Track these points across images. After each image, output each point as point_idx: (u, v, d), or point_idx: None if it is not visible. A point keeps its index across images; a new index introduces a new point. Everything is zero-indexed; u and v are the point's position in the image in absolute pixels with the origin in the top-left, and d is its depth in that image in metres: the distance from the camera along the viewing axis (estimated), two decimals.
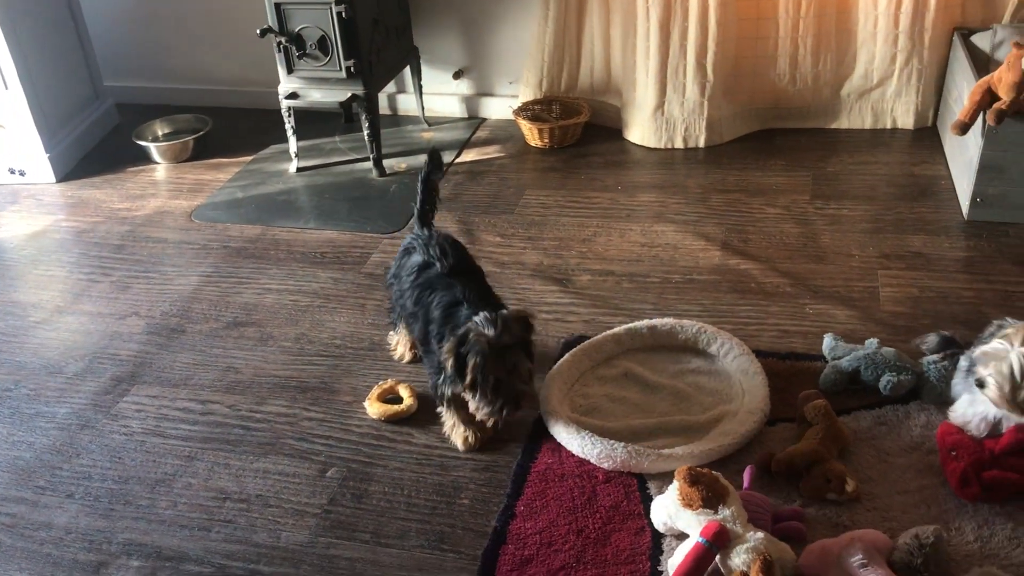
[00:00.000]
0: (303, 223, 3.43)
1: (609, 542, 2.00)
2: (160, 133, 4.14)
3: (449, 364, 2.08)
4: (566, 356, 2.51)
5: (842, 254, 2.97)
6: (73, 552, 2.11)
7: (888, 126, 3.71)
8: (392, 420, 2.42)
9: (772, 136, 3.76)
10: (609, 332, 2.59)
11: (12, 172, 3.86)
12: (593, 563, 1.96)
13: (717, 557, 1.84)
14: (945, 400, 2.23)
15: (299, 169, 3.81)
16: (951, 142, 3.37)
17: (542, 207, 3.40)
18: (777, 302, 2.76)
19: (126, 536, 2.14)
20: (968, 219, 3.08)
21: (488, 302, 2.23)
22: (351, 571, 2.01)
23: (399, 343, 2.61)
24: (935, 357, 2.34)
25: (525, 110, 3.90)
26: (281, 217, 3.48)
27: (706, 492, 1.89)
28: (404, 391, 2.48)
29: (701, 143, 3.71)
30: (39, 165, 3.84)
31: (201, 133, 4.04)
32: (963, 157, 3.16)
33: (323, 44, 3.48)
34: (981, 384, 2.00)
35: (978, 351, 2.04)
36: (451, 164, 3.77)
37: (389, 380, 2.52)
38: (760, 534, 1.86)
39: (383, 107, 4.18)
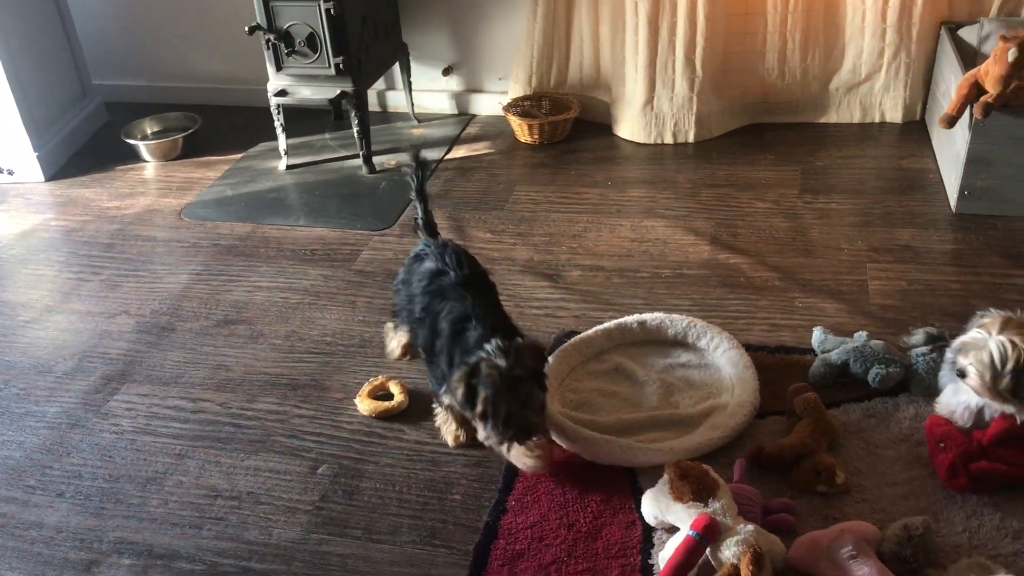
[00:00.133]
0: (293, 220, 3.43)
1: (600, 536, 2.01)
2: (149, 131, 4.13)
3: (459, 393, 2.01)
4: (556, 351, 2.51)
5: (831, 248, 2.98)
6: (64, 551, 2.11)
7: (876, 120, 3.73)
8: (383, 416, 2.42)
9: (761, 131, 3.76)
10: (599, 327, 2.59)
11: (0, 171, 3.85)
12: (584, 557, 1.96)
13: (707, 550, 1.85)
14: (934, 392, 2.24)
15: (289, 167, 3.80)
16: (939, 136, 3.39)
17: (532, 203, 3.40)
18: (766, 296, 2.77)
19: (117, 534, 2.14)
20: (956, 212, 3.10)
21: (499, 322, 2.17)
22: (343, 567, 2.01)
23: (395, 341, 2.58)
24: (923, 349, 2.35)
25: (515, 106, 3.90)
26: (271, 215, 3.48)
27: (696, 485, 1.90)
28: (395, 387, 2.48)
29: (690, 138, 3.71)
30: (27, 164, 3.83)
31: (190, 131, 4.03)
32: (951, 151, 3.18)
33: (312, 41, 3.47)
34: (962, 374, 2.01)
35: (958, 341, 2.05)
36: (441, 160, 3.77)
37: (380, 376, 2.52)
38: (750, 527, 1.87)
39: (373, 104, 4.18)
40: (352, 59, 3.50)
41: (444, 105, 4.17)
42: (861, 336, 2.42)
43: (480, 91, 4.12)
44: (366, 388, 2.48)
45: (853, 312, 2.66)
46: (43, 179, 3.85)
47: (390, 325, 2.59)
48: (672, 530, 1.95)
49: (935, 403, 2.19)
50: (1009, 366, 1.93)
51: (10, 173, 3.85)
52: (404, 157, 3.80)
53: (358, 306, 2.89)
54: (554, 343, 2.58)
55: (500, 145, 3.86)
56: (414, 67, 4.02)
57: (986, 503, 2.00)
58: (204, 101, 4.36)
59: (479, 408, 1.99)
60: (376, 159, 3.74)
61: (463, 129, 4.02)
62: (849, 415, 2.27)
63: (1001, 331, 1.97)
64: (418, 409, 2.43)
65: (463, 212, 3.36)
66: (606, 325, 2.60)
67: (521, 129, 3.80)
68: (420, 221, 2.51)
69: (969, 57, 3.27)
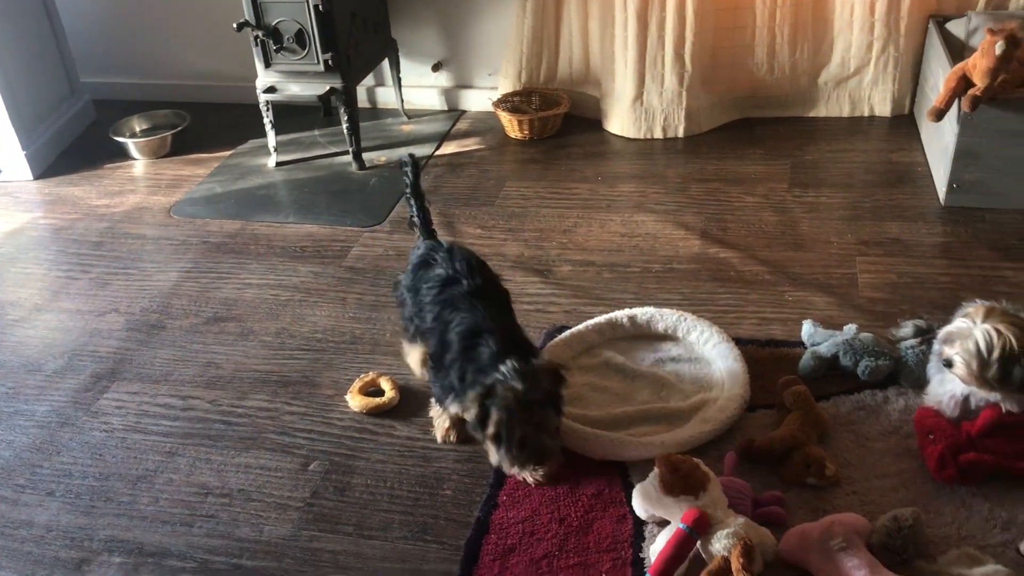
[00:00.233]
0: (283, 217, 3.42)
1: (591, 530, 2.01)
2: (138, 129, 4.11)
3: (473, 414, 1.97)
4: (547, 346, 2.51)
5: (820, 241, 2.99)
6: (54, 550, 2.10)
7: (865, 114, 3.73)
8: (374, 413, 2.42)
9: (751, 125, 3.77)
10: (590, 322, 2.59)
11: None
12: (575, 551, 1.97)
13: (698, 543, 1.86)
14: (923, 384, 2.24)
15: (278, 163, 3.79)
16: (927, 129, 3.40)
17: (522, 198, 3.40)
18: (756, 290, 2.78)
19: (108, 533, 2.14)
20: (945, 205, 3.11)
21: (511, 334, 2.11)
22: (334, 564, 2.01)
23: (413, 357, 2.42)
24: (913, 342, 2.36)
25: (505, 102, 3.90)
26: (261, 212, 3.47)
27: (686, 479, 1.91)
28: (386, 384, 2.48)
29: (680, 133, 3.71)
30: (15, 162, 3.81)
31: (179, 128, 4.01)
32: (939, 144, 3.19)
33: (300, 37, 3.46)
34: (949, 363, 2.02)
35: (943, 331, 2.06)
36: (431, 156, 3.76)
37: (371, 373, 2.52)
38: (740, 519, 1.88)
39: (362, 101, 4.17)
40: (341, 55, 3.50)
41: (434, 101, 4.16)
42: (851, 329, 2.43)
43: (470, 87, 4.12)
44: (357, 384, 2.48)
45: (843, 305, 2.67)
46: (31, 177, 3.83)
47: (404, 343, 2.45)
48: (663, 523, 1.95)
49: (923, 394, 2.20)
50: (995, 354, 1.94)
51: None
52: (394, 154, 3.79)
53: (348, 303, 2.89)
54: (545, 338, 2.59)
55: (490, 141, 3.86)
56: (403, 63, 4.01)
57: (975, 494, 2.01)
58: (193, 98, 4.34)
59: (491, 430, 1.95)
60: (366, 155, 3.74)
61: (453, 125, 4.01)
62: (839, 408, 2.28)
63: (985, 320, 1.98)
64: (409, 405, 2.43)
65: (453, 208, 3.36)
66: (596, 320, 2.60)
67: (511, 125, 3.80)
68: (416, 223, 2.47)
69: (957, 50, 3.28)
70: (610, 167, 3.59)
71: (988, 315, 1.98)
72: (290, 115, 4.06)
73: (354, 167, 3.70)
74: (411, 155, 2.52)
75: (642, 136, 3.75)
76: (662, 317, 2.58)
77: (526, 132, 3.78)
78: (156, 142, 3.96)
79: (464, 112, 4.12)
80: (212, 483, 2.25)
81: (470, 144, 3.85)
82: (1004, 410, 2.00)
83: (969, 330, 1.98)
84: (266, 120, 3.70)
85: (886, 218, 3.08)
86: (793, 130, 3.70)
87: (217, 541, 2.09)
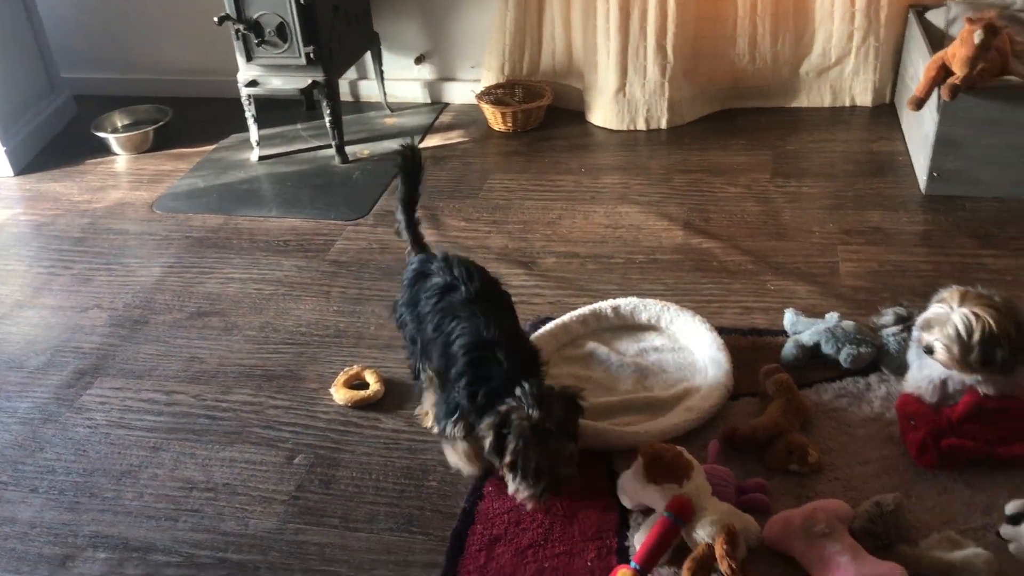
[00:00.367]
0: (266, 212, 3.41)
1: (576, 519, 2.02)
2: (119, 124, 4.08)
3: (488, 442, 1.91)
4: (532, 338, 2.51)
5: (803, 231, 3.01)
6: (38, 546, 2.09)
7: (847, 104, 3.75)
8: (359, 406, 2.41)
9: (733, 116, 3.78)
10: (575, 313, 2.60)
11: None
12: (561, 540, 1.97)
13: (683, 530, 1.87)
14: (904, 370, 2.26)
15: (261, 157, 3.78)
16: (908, 118, 3.42)
17: (506, 191, 3.40)
18: (739, 279, 2.79)
19: (92, 528, 2.13)
20: (926, 194, 3.13)
21: (514, 340, 2.05)
22: (320, 556, 2.01)
23: (430, 413, 2.26)
24: (894, 329, 2.38)
25: (488, 94, 3.90)
26: (244, 206, 3.46)
27: (670, 467, 1.92)
28: (371, 377, 2.48)
29: (663, 124, 3.72)
30: None
31: (161, 123, 3.99)
32: (919, 133, 3.21)
33: (282, 31, 3.45)
34: (930, 350, 2.04)
35: (921, 318, 2.08)
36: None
37: (355, 366, 2.52)
38: (724, 506, 1.89)
39: (345, 94, 4.16)
40: (323, 48, 3.48)
41: (417, 94, 4.16)
42: (832, 317, 2.45)
43: (453, 79, 4.11)
44: (341, 378, 2.48)
45: (824, 294, 2.68)
46: (12, 173, 3.80)
47: (421, 384, 2.28)
48: (647, 512, 1.96)
49: (903, 381, 2.22)
50: (976, 337, 1.95)
51: None
52: (377, 147, 3.78)
53: (332, 296, 2.88)
54: (530, 329, 2.59)
55: (474, 133, 3.85)
56: (386, 56, 4.00)
57: (956, 479, 2.03)
58: (175, 93, 4.32)
59: (508, 459, 1.90)
60: (349, 149, 3.73)
61: (436, 118, 4.01)
62: (821, 395, 2.29)
63: (961, 304, 1.99)
64: (394, 398, 2.43)
65: (437, 201, 3.35)
66: (581, 311, 2.61)
67: (494, 117, 3.80)
68: (406, 235, 2.37)
69: (937, 40, 3.29)
70: (593, 159, 3.60)
71: (964, 299, 2.00)
72: (273, 109, 4.04)
73: (337, 161, 3.69)
74: (411, 146, 2.34)
75: (625, 128, 3.75)
76: (646, 307, 2.59)
77: (509, 124, 3.78)
78: (138, 137, 3.94)
79: (447, 105, 4.12)
80: (197, 477, 2.25)
81: (453, 137, 3.85)
82: (981, 393, 2.02)
83: (947, 315, 2.00)
84: (248, 114, 3.69)
85: (867, 207, 3.10)
86: (775, 120, 3.72)
87: (202, 535, 2.09)
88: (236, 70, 3.62)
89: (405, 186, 2.36)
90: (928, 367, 2.09)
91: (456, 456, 2.14)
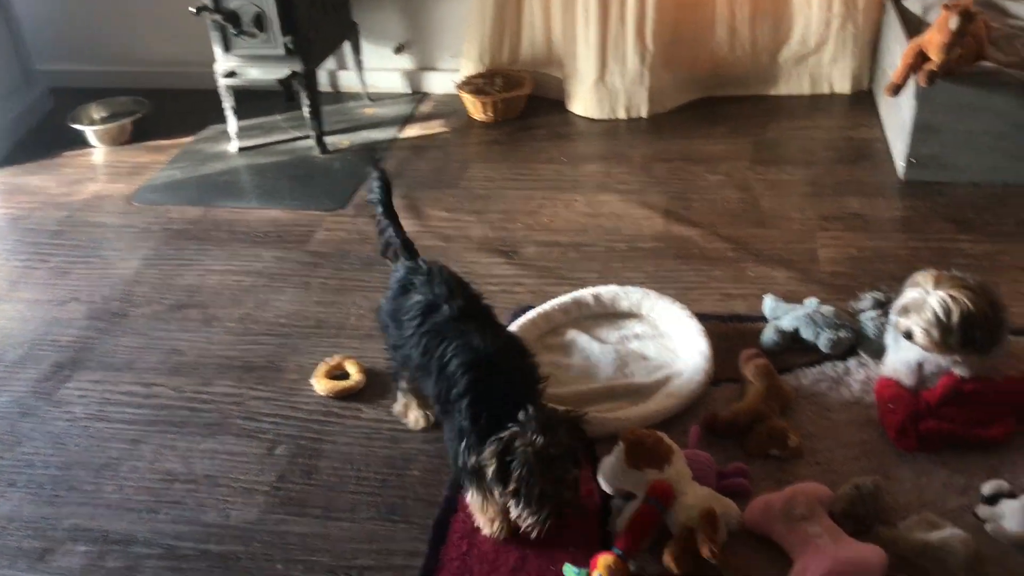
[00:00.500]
0: (245, 203, 3.39)
1: None
2: (97, 116, 4.04)
3: (491, 470, 1.85)
4: (513, 326, 2.51)
5: (782, 217, 3.02)
6: (17, 540, 2.08)
7: (825, 91, 3.76)
8: (340, 396, 2.41)
9: (713, 104, 3.78)
10: (556, 301, 2.60)
11: None
12: None
13: (664, 515, 1.88)
14: (883, 354, 2.28)
15: (240, 149, 3.75)
16: (886, 105, 3.43)
17: (487, 180, 3.40)
18: (719, 266, 2.80)
19: (72, 522, 2.12)
20: (904, 180, 3.14)
21: (508, 346, 2.01)
22: (302, 546, 2.01)
23: (409, 407, 2.29)
24: (872, 313, 2.39)
25: (468, 84, 3.88)
26: (223, 197, 3.44)
27: (651, 452, 1.92)
28: (351, 367, 2.47)
29: (643, 113, 3.72)
30: None
31: (139, 115, 3.96)
32: (897, 119, 3.22)
33: (259, 21, 3.42)
34: (909, 335, 2.05)
35: (898, 303, 2.09)
36: (394, 140, 3.74)
37: (336, 356, 2.51)
38: (705, 491, 1.90)
39: (324, 84, 4.13)
40: (301, 38, 3.46)
41: (396, 84, 4.14)
42: (812, 303, 2.46)
43: (433, 69, 4.10)
44: (322, 368, 2.47)
45: (804, 280, 2.69)
46: None
47: (400, 396, 2.30)
48: (629, 497, 1.97)
49: (881, 365, 2.23)
50: (955, 319, 1.97)
51: None
52: (357, 137, 3.77)
53: (312, 287, 2.87)
54: (511, 318, 2.59)
55: (454, 123, 3.84)
56: (365, 46, 3.98)
57: (934, 461, 2.05)
58: (152, 85, 4.27)
59: (512, 486, 1.85)
60: (329, 139, 3.71)
61: (416, 108, 3.99)
62: (801, 380, 2.30)
63: (937, 287, 2.01)
64: (375, 388, 2.42)
65: (418, 191, 3.34)
66: (562, 299, 2.61)
67: (475, 107, 3.79)
68: (395, 240, 2.29)
69: (914, 26, 3.30)
70: (574, 148, 3.59)
71: (938, 282, 2.01)
72: (252, 100, 4.00)
73: (317, 151, 3.68)
74: (381, 172, 2.33)
75: (605, 116, 3.75)
76: (626, 295, 2.59)
77: (490, 114, 3.77)
78: (116, 129, 3.91)
79: (427, 94, 4.10)
80: (177, 469, 2.24)
81: (434, 127, 3.84)
82: (958, 376, 2.04)
83: (924, 299, 2.01)
84: (227, 105, 3.66)
85: (846, 193, 3.12)
86: (754, 108, 3.73)
87: (183, 527, 2.08)
88: (214, 61, 3.60)
89: (384, 206, 2.32)
90: (904, 350, 2.11)
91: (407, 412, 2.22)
